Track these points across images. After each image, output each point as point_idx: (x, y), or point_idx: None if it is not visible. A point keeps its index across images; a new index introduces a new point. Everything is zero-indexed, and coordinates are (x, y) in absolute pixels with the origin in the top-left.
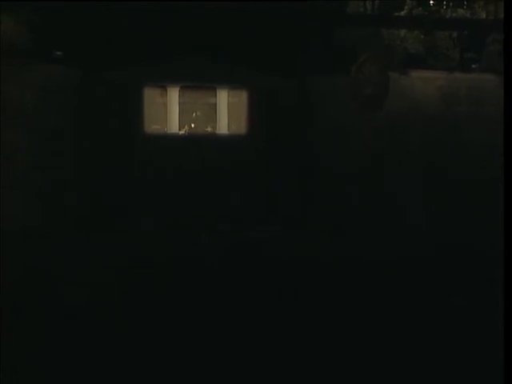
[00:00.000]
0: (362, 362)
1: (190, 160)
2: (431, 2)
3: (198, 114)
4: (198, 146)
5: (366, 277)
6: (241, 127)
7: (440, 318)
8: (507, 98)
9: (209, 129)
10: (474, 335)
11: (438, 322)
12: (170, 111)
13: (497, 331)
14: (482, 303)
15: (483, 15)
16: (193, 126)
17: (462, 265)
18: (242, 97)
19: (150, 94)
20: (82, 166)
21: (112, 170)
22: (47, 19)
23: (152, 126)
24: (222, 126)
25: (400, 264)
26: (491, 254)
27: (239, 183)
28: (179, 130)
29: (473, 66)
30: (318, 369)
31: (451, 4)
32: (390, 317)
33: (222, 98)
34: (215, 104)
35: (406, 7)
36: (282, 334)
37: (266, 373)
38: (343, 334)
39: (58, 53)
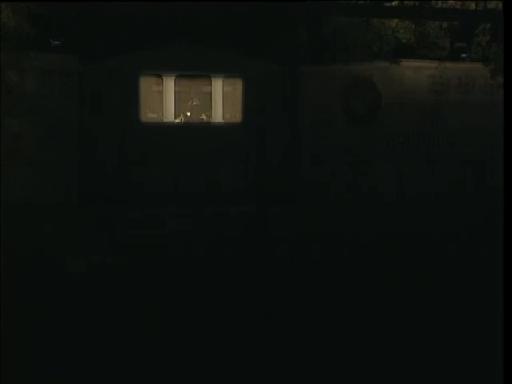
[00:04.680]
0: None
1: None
2: None
3: (193, 102)
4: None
5: None
6: (236, 116)
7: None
8: (507, 98)
9: (204, 117)
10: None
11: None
12: (165, 100)
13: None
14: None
15: (473, 6)
16: (188, 114)
17: None
18: (237, 85)
19: (146, 83)
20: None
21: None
22: (46, 9)
23: (148, 115)
24: (217, 115)
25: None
26: None
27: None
28: (175, 118)
29: (462, 55)
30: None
31: None
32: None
33: (217, 86)
34: (210, 93)
35: None
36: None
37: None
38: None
39: (56, 42)
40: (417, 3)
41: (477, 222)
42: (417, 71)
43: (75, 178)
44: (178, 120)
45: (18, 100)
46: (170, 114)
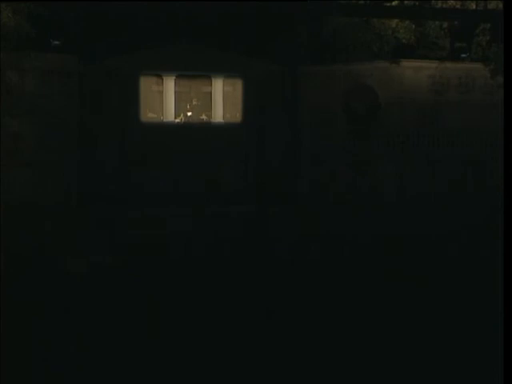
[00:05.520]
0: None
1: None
2: None
3: (193, 102)
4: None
5: None
6: (236, 116)
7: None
8: (507, 98)
9: (204, 117)
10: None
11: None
12: (165, 100)
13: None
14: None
15: (473, 6)
16: (189, 114)
17: None
18: (237, 85)
19: (146, 83)
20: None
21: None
22: (46, 9)
23: (148, 115)
24: (217, 115)
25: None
26: None
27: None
28: (175, 118)
29: (462, 55)
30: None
31: None
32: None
33: (217, 86)
34: (210, 93)
35: None
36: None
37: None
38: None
39: (56, 42)
40: (417, 3)
41: (477, 221)
42: (417, 71)
43: (75, 178)
44: (178, 120)
45: (18, 100)
46: (170, 114)
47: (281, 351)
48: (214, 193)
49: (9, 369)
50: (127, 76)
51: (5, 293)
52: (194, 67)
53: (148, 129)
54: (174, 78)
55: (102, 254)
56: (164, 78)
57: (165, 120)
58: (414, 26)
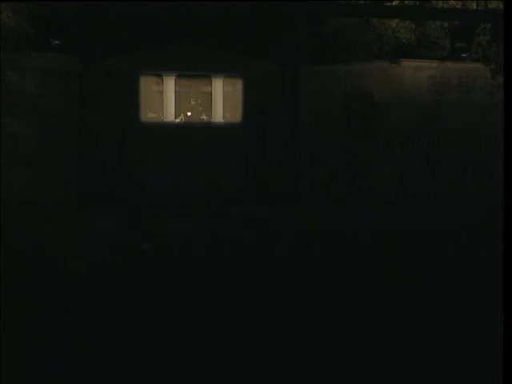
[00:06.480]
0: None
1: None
2: None
3: (193, 102)
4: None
5: None
6: (236, 116)
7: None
8: (507, 98)
9: (204, 117)
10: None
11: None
12: (166, 100)
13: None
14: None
15: (473, 6)
16: (189, 114)
17: None
18: (237, 85)
19: (146, 83)
20: None
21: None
22: (46, 9)
23: (148, 115)
24: (217, 115)
25: None
26: None
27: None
28: (175, 118)
29: (463, 55)
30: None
31: None
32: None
33: (217, 86)
34: (210, 93)
35: None
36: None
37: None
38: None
39: (56, 42)
40: (417, 3)
41: (477, 221)
42: (417, 71)
43: (75, 178)
44: (178, 120)
45: (18, 100)
46: (170, 114)
47: (281, 351)
48: (214, 193)
49: (9, 369)
50: (127, 76)
51: (5, 293)
52: (194, 67)
53: (148, 129)
54: (174, 77)
55: (101, 254)
56: (164, 77)
57: (165, 120)
58: (414, 26)
